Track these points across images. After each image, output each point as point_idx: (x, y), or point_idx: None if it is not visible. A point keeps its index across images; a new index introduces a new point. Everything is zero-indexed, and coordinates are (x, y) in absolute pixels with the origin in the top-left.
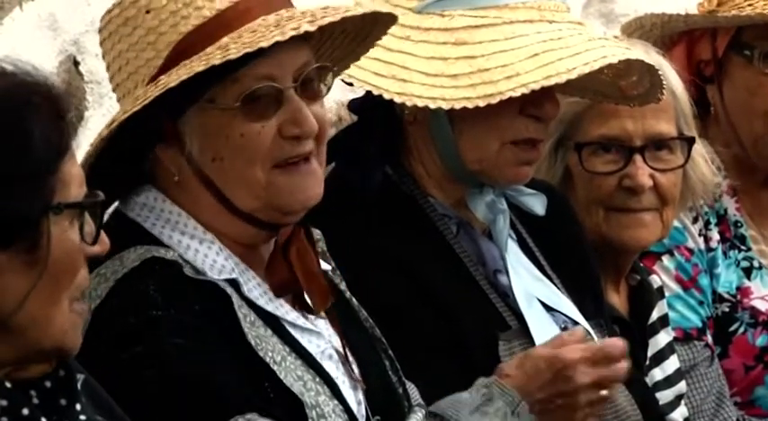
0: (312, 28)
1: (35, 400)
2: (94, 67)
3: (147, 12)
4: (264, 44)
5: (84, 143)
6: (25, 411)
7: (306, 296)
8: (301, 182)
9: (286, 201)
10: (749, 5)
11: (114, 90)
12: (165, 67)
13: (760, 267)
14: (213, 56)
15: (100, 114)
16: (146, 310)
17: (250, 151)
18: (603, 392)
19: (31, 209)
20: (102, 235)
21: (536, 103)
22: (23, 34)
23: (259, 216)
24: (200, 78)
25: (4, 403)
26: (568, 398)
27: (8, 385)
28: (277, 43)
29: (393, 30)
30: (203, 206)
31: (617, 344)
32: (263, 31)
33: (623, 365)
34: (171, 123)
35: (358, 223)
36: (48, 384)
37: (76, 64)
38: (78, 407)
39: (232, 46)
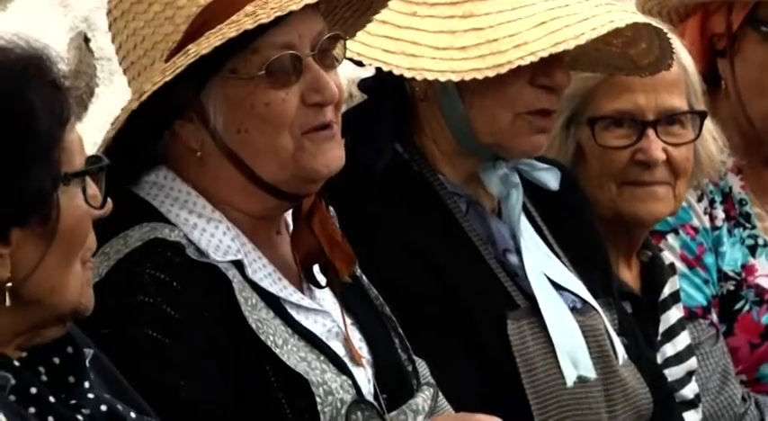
0: None
1: (43, 377)
2: (105, 43)
3: None
4: (295, 7)
5: (95, 119)
6: (33, 390)
7: (316, 273)
8: (327, 146)
9: (314, 167)
10: None
11: (126, 70)
12: (185, 41)
13: (765, 245)
14: (243, 22)
15: (110, 91)
16: (134, 295)
17: (276, 119)
18: None
19: (44, 183)
20: (99, 195)
21: (546, 72)
22: (35, 11)
23: (283, 187)
24: (220, 49)
25: (13, 381)
26: None
27: (16, 363)
28: (293, 12)
29: (400, 6)
30: (224, 180)
31: None
32: None
33: None
34: (193, 97)
35: (367, 200)
36: (56, 361)
37: (87, 41)
38: (87, 384)
39: (260, 11)
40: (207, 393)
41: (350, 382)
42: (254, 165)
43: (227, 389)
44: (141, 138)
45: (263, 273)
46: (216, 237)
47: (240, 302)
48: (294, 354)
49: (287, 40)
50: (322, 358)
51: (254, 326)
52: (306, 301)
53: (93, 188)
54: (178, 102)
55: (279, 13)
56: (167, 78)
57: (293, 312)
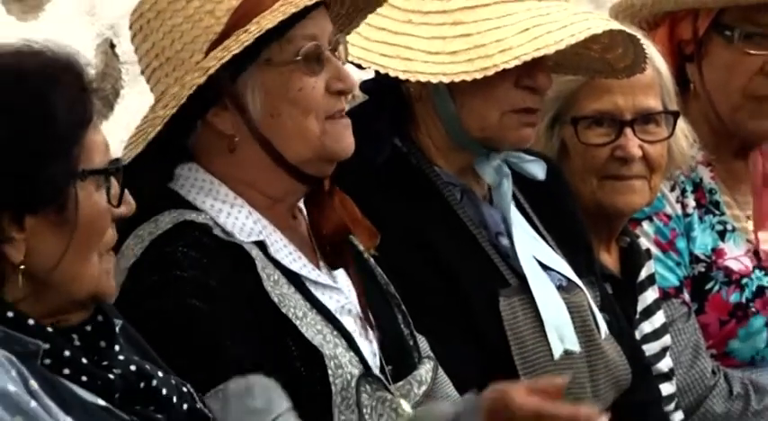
0: None
1: (76, 342)
2: (130, 49)
3: None
4: None
5: (120, 118)
6: (67, 353)
7: (327, 255)
8: (344, 131)
9: (335, 149)
10: None
11: (155, 69)
12: (227, 32)
13: (733, 230)
14: (292, 3)
15: (135, 92)
16: (170, 270)
17: (307, 104)
18: None
19: (56, 176)
20: (128, 196)
21: (530, 74)
22: (65, 19)
23: (305, 168)
24: (257, 39)
25: (47, 346)
26: None
27: (50, 330)
28: (315, 7)
29: (396, 15)
30: (252, 164)
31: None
32: None
33: None
34: (230, 85)
35: (370, 192)
36: (88, 328)
37: (113, 46)
38: (117, 348)
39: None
40: (249, 352)
41: (357, 359)
42: (282, 147)
43: (264, 350)
44: (175, 130)
45: (284, 252)
46: (239, 221)
47: (263, 278)
48: (312, 327)
49: (313, 32)
50: (335, 333)
51: (276, 300)
52: (322, 278)
53: (116, 188)
54: (215, 90)
55: None
56: (235, 51)
57: (311, 288)
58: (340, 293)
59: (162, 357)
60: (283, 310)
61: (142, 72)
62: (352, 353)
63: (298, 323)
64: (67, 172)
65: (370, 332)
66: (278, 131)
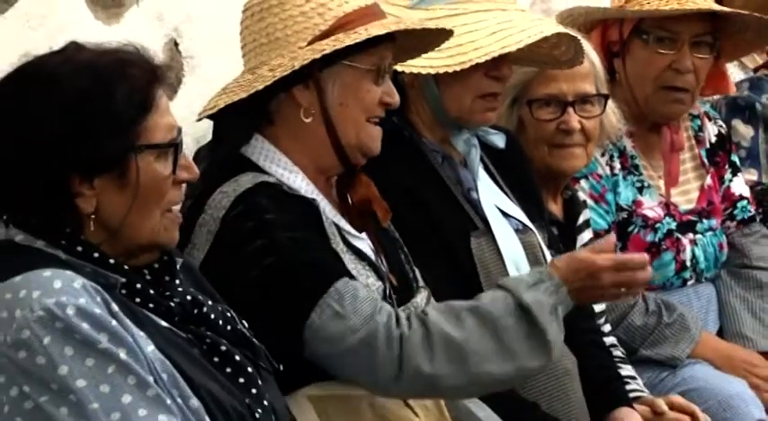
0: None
1: (147, 277)
2: (190, 47)
3: None
4: (432, 25)
5: (182, 100)
6: (138, 285)
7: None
8: (377, 135)
9: (369, 145)
10: (647, 3)
11: (263, 43)
12: (328, 32)
13: (648, 187)
14: (388, 25)
15: (192, 80)
16: (261, 215)
17: (365, 103)
18: (623, 290)
19: (114, 148)
20: (192, 165)
21: (496, 67)
22: (139, 23)
23: (348, 152)
24: (346, 47)
25: (124, 280)
26: (596, 291)
27: (126, 267)
28: (391, 39)
29: None
30: (313, 136)
31: (641, 257)
32: (407, 23)
33: (646, 274)
34: (317, 72)
35: (374, 157)
36: (156, 265)
37: (176, 44)
38: (177, 281)
39: (392, 26)
40: (335, 262)
41: (382, 287)
42: (340, 130)
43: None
44: (263, 95)
45: (328, 208)
46: (296, 183)
47: (324, 220)
48: (349, 263)
49: (386, 55)
50: (367, 268)
51: (330, 237)
52: (353, 231)
53: (185, 159)
54: (306, 72)
55: (416, 27)
56: (348, 43)
57: (347, 236)
58: (365, 242)
59: (268, 282)
60: (333, 245)
61: (244, 45)
62: (380, 283)
63: (343, 256)
64: (125, 145)
65: (383, 269)
66: (341, 117)
